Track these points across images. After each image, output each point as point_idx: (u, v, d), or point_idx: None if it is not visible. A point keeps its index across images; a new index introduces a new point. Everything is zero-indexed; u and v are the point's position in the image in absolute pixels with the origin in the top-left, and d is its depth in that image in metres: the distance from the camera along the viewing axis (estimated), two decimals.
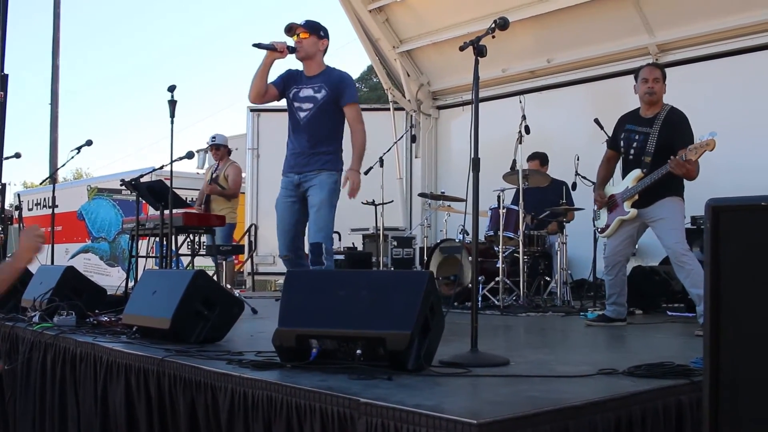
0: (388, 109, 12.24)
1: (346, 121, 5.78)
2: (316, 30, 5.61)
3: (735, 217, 1.88)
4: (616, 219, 5.97)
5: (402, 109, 12.24)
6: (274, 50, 5.50)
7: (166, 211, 6.65)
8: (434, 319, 3.48)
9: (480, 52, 3.81)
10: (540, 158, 9.00)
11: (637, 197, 5.83)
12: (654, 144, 5.77)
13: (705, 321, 1.92)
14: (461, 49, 3.92)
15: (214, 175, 8.96)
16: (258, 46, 5.51)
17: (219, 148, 9.14)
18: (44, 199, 17.88)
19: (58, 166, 15.69)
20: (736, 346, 1.88)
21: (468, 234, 7.92)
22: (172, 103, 6.12)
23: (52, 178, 8.33)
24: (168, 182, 6.79)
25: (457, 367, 3.49)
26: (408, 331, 3.25)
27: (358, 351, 3.33)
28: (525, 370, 3.49)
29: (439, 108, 12.40)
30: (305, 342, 3.43)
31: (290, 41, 5.59)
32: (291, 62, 5.72)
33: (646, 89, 5.86)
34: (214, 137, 9.21)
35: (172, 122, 6.23)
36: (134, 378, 4.10)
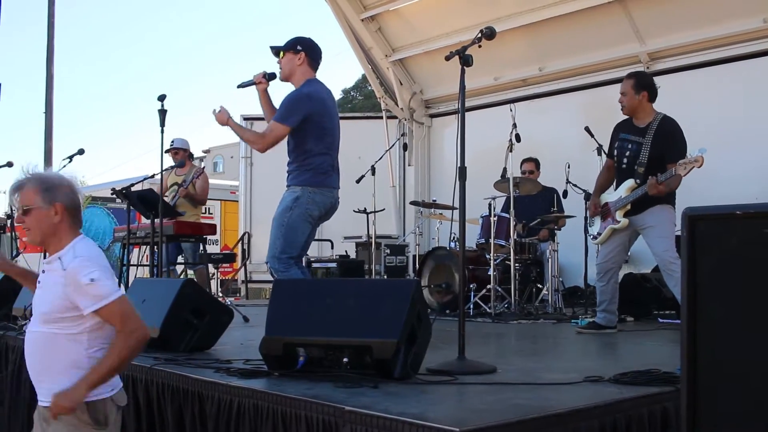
0: (381, 118, 12.24)
1: (312, 135, 5.33)
2: (292, 46, 5.44)
3: (711, 225, 1.89)
4: (609, 227, 5.99)
5: (395, 117, 12.23)
6: (254, 83, 5.51)
7: (157, 220, 6.64)
8: (421, 327, 3.49)
9: (466, 61, 3.82)
10: (535, 161, 9.02)
11: (629, 207, 5.85)
12: (647, 155, 5.78)
13: (682, 327, 1.94)
14: (447, 58, 3.93)
15: (182, 180, 8.59)
16: (242, 86, 5.54)
17: (178, 152, 8.81)
18: None
19: None
20: (714, 352, 1.89)
21: None
22: (162, 113, 6.11)
23: None
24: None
25: (444, 375, 3.50)
26: (394, 339, 3.26)
27: (345, 359, 3.35)
28: (512, 378, 3.51)
29: (432, 116, 12.39)
30: (292, 350, 3.45)
31: (270, 68, 5.60)
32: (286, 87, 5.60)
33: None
34: (173, 141, 8.91)
35: (162, 131, 6.24)
36: (123, 386, 4.10)
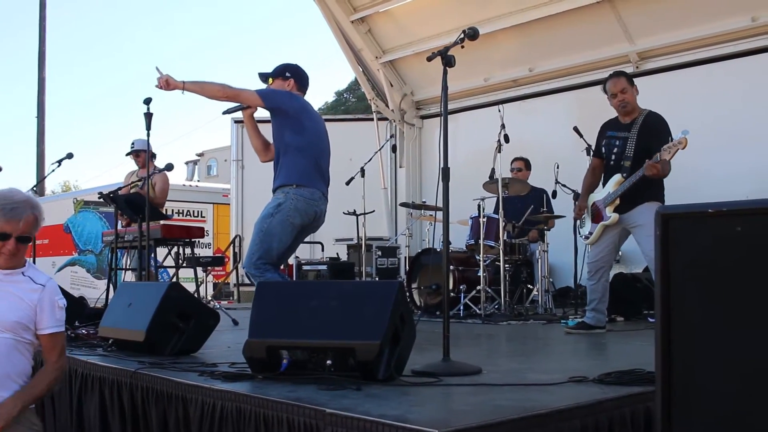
0: (372, 119, 12.23)
1: (289, 128, 5.32)
2: (281, 73, 5.50)
3: (684, 224, 1.89)
4: (600, 225, 6.00)
5: (386, 119, 12.23)
6: (242, 108, 5.46)
7: (144, 224, 6.62)
8: (405, 328, 3.48)
9: (448, 62, 3.82)
10: (525, 160, 9.03)
11: (618, 201, 5.86)
12: (633, 148, 5.84)
13: (656, 327, 1.94)
14: (429, 59, 3.93)
15: (140, 182, 8.07)
16: (228, 112, 5.53)
17: (140, 154, 8.27)
18: None
19: (39, 180, 15.64)
20: (687, 352, 1.89)
21: (450, 243, 7.91)
22: (148, 116, 6.08)
23: (33, 191, 8.29)
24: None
25: (428, 377, 3.49)
26: (377, 341, 3.25)
27: (329, 361, 3.33)
28: (496, 379, 3.49)
29: (423, 118, 12.39)
30: (276, 353, 3.43)
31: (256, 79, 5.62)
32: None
33: (617, 103, 5.96)
34: (133, 143, 8.45)
35: (148, 134, 6.23)
36: (108, 390, 4.10)
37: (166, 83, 5.07)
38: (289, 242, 5.27)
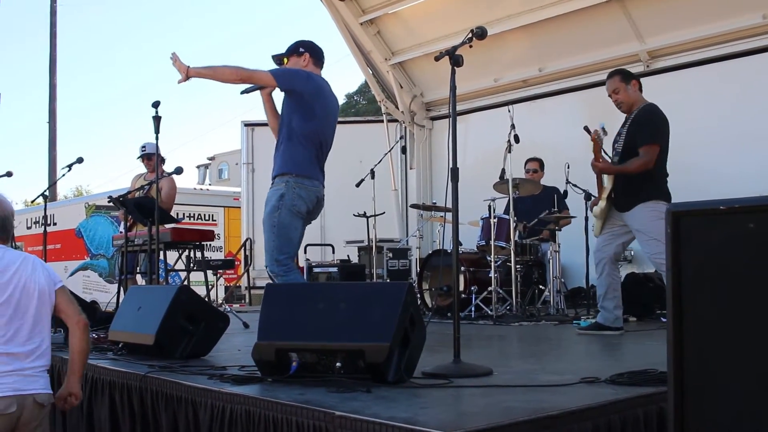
0: (382, 121, 12.20)
1: (299, 112, 5.26)
2: (294, 50, 5.45)
3: (695, 221, 1.86)
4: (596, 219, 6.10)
5: (396, 120, 12.20)
6: (260, 88, 5.40)
7: (154, 227, 6.61)
8: (415, 330, 3.46)
9: (456, 61, 3.79)
10: (540, 161, 8.99)
11: (605, 193, 5.93)
12: (623, 144, 5.90)
13: (668, 326, 1.91)
14: (437, 59, 3.90)
15: (146, 186, 8.07)
16: (246, 92, 5.42)
17: (151, 158, 8.00)
18: (42, 217, 17.88)
19: (50, 185, 15.68)
20: (700, 351, 1.86)
21: (461, 244, 7.89)
22: (157, 119, 6.07)
23: (44, 196, 8.30)
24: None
25: (439, 379, 3.47)
26: (387, 343, 3.22)
27: (338, 364, 3.31)
28: (507, 380, 3.47)
29: (433, 119, 12.35)
30: (285, 355, 3.41)
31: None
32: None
33: (614, 103, 6.03)
34: (144, 146, 8.35)
35: (156, 138, 6.22)
36: (118, 394, 4.10)
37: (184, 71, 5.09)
38: (301, 231, 5.25)
